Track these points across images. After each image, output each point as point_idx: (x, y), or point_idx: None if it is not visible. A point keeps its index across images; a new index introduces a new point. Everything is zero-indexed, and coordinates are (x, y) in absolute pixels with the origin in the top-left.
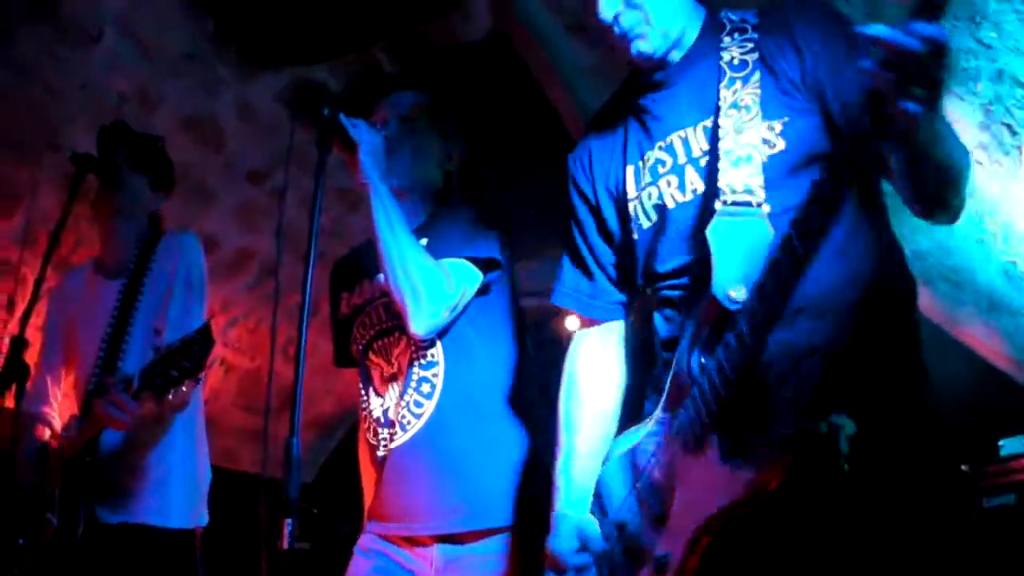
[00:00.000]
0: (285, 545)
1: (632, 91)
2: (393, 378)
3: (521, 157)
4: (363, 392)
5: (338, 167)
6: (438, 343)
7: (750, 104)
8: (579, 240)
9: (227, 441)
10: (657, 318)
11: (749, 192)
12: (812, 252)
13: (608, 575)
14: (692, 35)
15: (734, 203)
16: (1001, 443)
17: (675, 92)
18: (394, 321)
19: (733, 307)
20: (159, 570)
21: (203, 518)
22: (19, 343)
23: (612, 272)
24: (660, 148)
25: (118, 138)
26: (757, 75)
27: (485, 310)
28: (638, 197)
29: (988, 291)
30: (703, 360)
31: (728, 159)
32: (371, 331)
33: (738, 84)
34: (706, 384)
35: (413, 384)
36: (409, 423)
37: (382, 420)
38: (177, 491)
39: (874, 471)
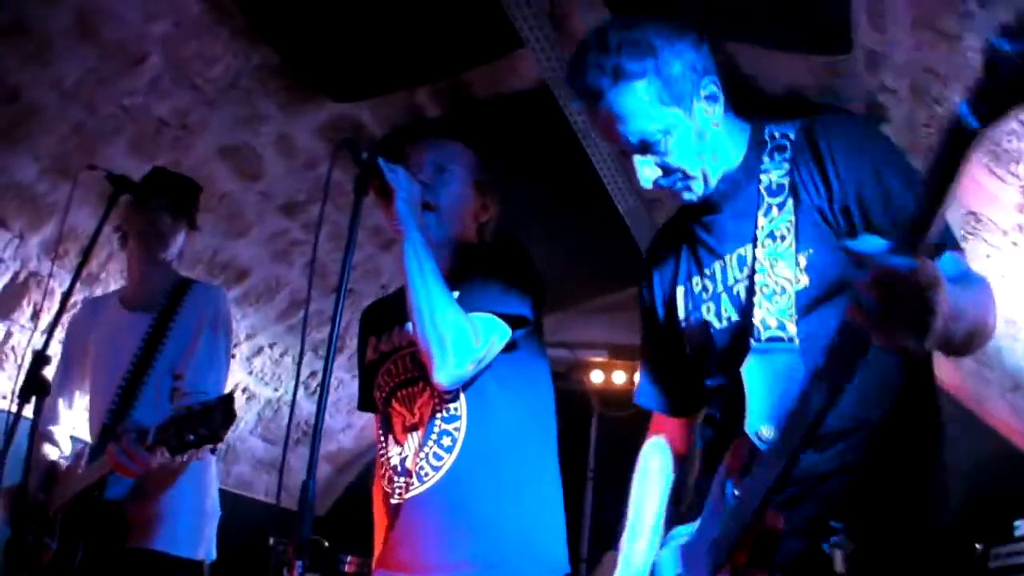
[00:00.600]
0: None
1: (685, 215)
2: (414, 428)
3: (554, 209)
4: (382, 439)
5: (371, 206)
6: (462, 397)
7: (785, 233)
8: (650, 350)
9: (243, 468)
10: (701, 429)
11: (782, 328)
12: (841, 386)
13: None
14: (737, 157)
15: (767, 339)
16: (1016, 523)
17: (720, 218)
18: (420, 371)
19: (762, 446)
20: None
21: (211, 553)
22: (41, 358)
23: (678, 382)
24: (704, 274)
25: (162, 184)
26: (791, 202)
27: (512, 366)
28: (686, 319)
29: (1014, 371)
30: (736, 491)
31: (762, 292)
32: (396, 379)
33: (775, 211)
34: (734, 512)
35: (434, 436)
36: (427, 475)
37: (399, 469)
38: (184, 521)
39: None
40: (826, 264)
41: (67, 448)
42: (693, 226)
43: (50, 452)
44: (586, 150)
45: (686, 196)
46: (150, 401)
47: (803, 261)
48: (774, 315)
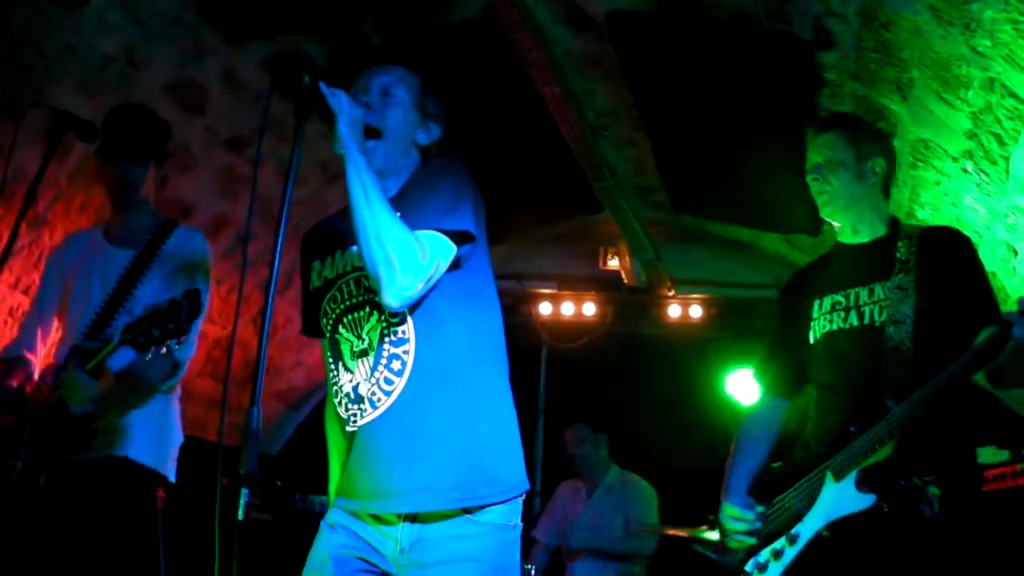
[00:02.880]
0: (240, 516)
1: None
2: (363, 354)
3: (500, 139)
4: (332, 367)
5: (318, 139)
6: (409, 319)
7: None
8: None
9: (195, 409)
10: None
11: None
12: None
13: (758, 536)
14: None
15: None
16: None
17: None
18: (366, 296)
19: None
20: (122, 497)
21: (171, 473)
22: None
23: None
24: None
25: (121, 126)
26: None
27: (458, 284)
28: None
29: None
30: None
31: None
32: (342, 305)
33: None
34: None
35: (384, 361)
36: (379, 400)
37: (352, 396)
38: (151, 435)
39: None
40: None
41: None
42: None
43: (21, 379)
44: (532, 78)
45: None
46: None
47: None
48: None
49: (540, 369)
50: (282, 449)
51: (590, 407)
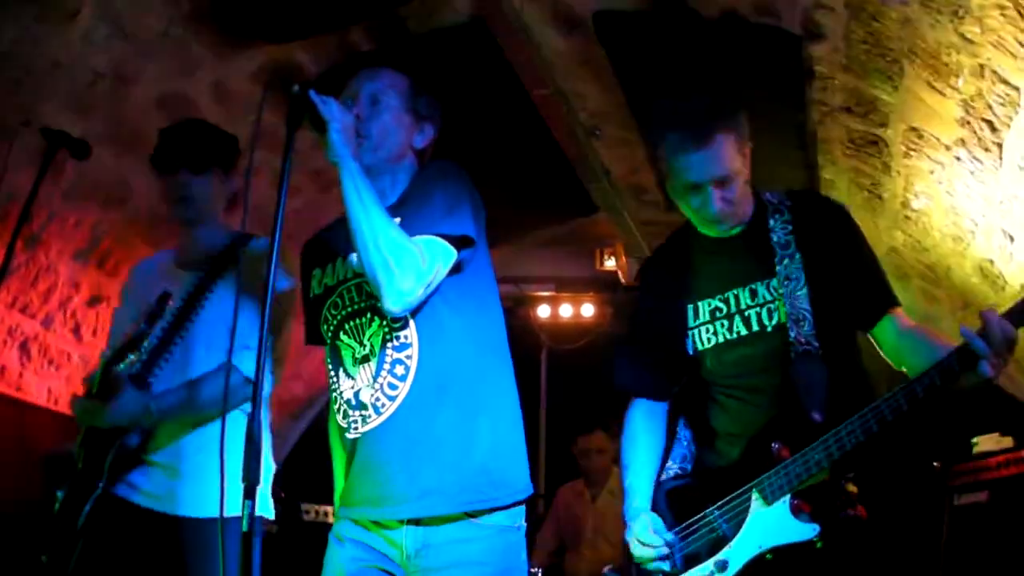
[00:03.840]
0: (245, 527)
1: None
2: (365, 360)
3: (493, 143)
4: (333, 374)
5: (311, 148)
6: (411, 323)
7: None
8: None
9: None
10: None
11: None
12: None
13: (673, 563)
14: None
15: None
16: (974, 440)
17: None
18: (366, 302)
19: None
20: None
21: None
22: None
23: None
24: None
25: (176, 141)
26: None
27: (459, 288)
28: None
29: (963, 289)
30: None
31: None
32: (343, 311)
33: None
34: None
35: (387, 367)
36: (383, 406)
37: (353, 402)
38: (202, 475)
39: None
40: None
41: None
42: None
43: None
44: (523, 81)
45: None
46: (177, 363)
47: None
48: None
49: (540, 371)
50: (285, 459)
51: (591, 407)
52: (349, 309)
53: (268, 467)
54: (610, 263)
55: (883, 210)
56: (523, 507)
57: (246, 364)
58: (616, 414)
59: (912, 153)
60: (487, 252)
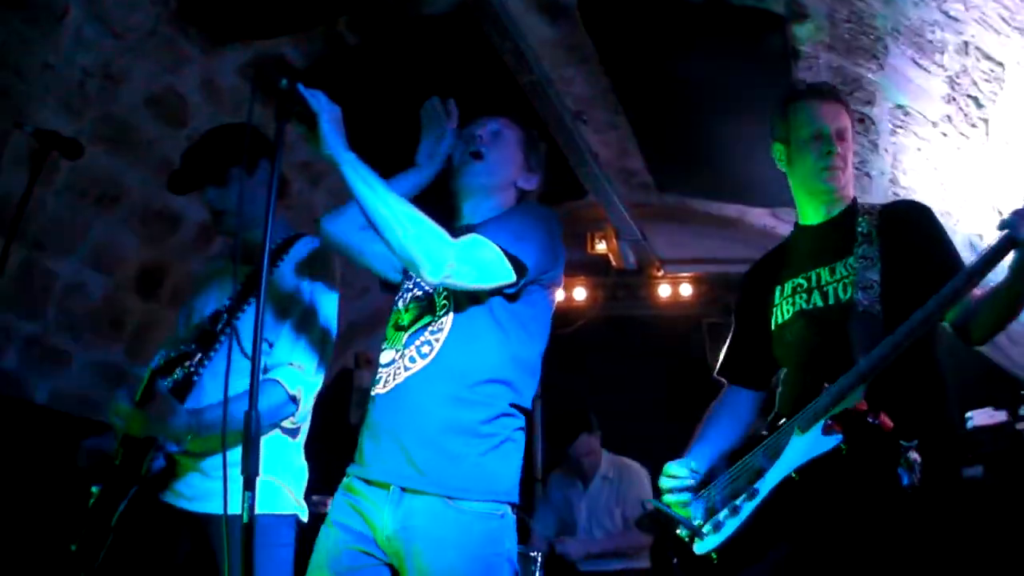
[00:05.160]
0: (245, 519)
1: None
2: (401, 329)
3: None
4: (384, 334)
5: (299, 141)
6: (451, 315)
7: None
8: None
9: None
10: None
11: None
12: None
13: (707, 500)
14: None
15: None
16: (968, 415)
17: None
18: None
19: None
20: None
21: (298, 510)
22: None
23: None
24: None
25: (198, 152)
26: None
27: (509, 312)
28: None
29: None
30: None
31: None
32: (409, 283)
33: None
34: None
35: (417, 342)
36: (398, 374)
37: (382, 363)
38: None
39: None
40: None
41: None
42: None
43: None
44: (511, 69)
45: None
46: (218, 367)
47: None
48: None
49: None
50: None
51: (585, 390)
52: (416, 291)
53: (301, 469)
54: (601, 246)
55: (871, 188)
56: (507, 508)
57: (290, 379)
58: (609, 395)
59: (899, 130)
60: (550, 298)
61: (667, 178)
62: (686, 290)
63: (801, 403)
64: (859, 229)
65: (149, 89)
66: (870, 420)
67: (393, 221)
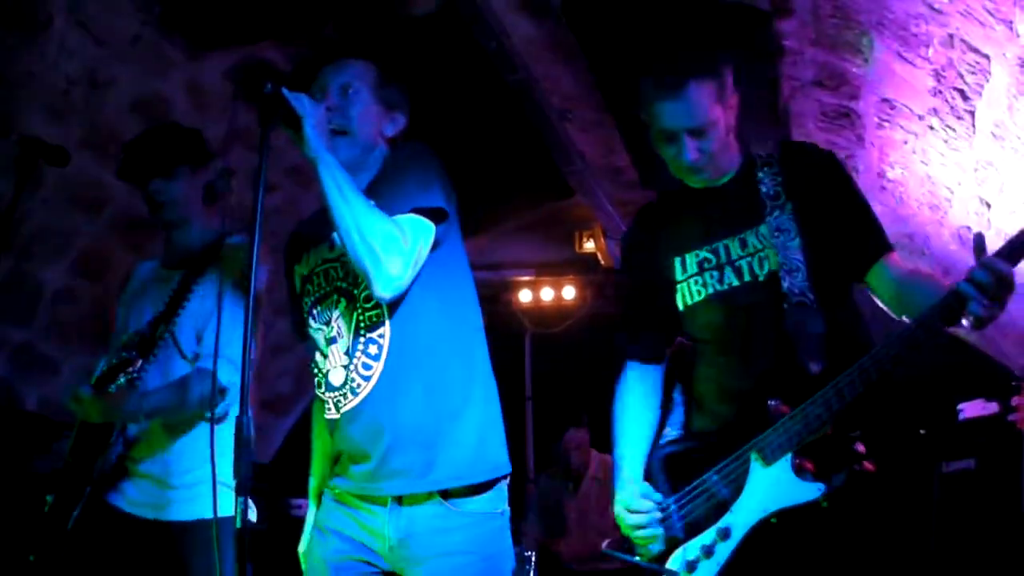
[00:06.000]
0: (238, 524)
1: None
2: (333, 341)
3: (465, 130)
4: (313, 360)
5: (287, 145)
6: (382, 303)
7: None
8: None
9: None
10: None
11: None
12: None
13: (672, 531)
14: None
15: None
16: (959, 407)
17: None
18: (331, 285)
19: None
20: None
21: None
22: None
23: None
24: None
25: (155, 137)
26: None
27: (432, 266)
28: None
29: (942, 257)
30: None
31: None
32: (313, 298)
33: None
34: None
35: (360, 347)
36: (359, 387)
37: (330, 385)
38: (186, 477)
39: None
40: None
41: None
42: None
43: None
44: (497, 67)
45: None
46: (161, 361)
47: None
48: None
49: (525, 356)
50: (274, 455)
51: (576, 389)
52: (316, 295)
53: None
54: (589, 245)
55: (859, 182)
56: (504, 490)
57: (222, 373)
58: (601, 393)
59: (885, 124)
60: (459, 229)
61: (653, 175)
62: None
63: (740, 410)
64: (763, 189)
65: (134, 95)
66: (855, 469)
67: (352, 229)
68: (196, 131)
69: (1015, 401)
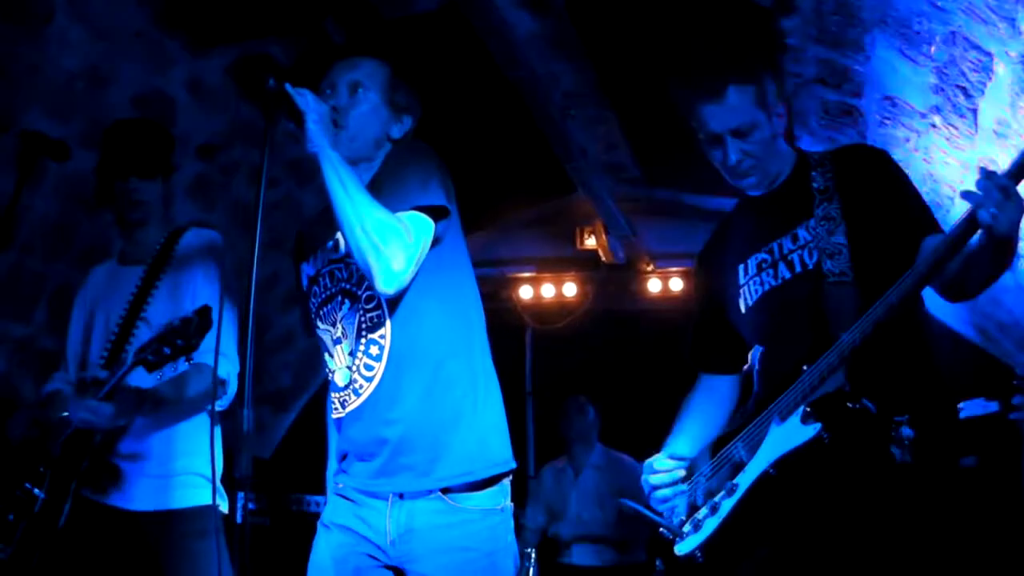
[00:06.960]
0: (239, 519)
1: None
2: (339, 342)
3: (468, 127)
4: (324, 359)
5: (288, 140)
6: (383, 303)
7: None
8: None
9: None
10: None
11: None
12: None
13: (691, 495)
14: None
15: None
16: (960, 406)
17: None
18: (337, 286)
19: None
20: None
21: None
22: None
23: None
24: None
25: (124, 143)
26: None
27: (433, 263)
28: None
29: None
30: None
31: None
32: (319, 299)
33: None
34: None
35: (362, 347)
36: (362, 387)
37: (337, 385)
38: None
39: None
40: None
41: None
42: None
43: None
44: (498, 64)
45: None
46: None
47: None
48: None
49: (525, 352)
50: (274, 452)
51: (578, 386)
52: (322, 296)
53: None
54: (590, 242)
55: None
56: (507, 486)
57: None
58: (602, 390)
59: (887, 122)
60: (459, 227)
61: (656, 172)
62: (676, 284)
63: (780, 385)
64: (815, 185)
65: (136, 91)
66: (850, 406)
67: (356, 225)
68: (171, 137)
69: (1016, 400)
